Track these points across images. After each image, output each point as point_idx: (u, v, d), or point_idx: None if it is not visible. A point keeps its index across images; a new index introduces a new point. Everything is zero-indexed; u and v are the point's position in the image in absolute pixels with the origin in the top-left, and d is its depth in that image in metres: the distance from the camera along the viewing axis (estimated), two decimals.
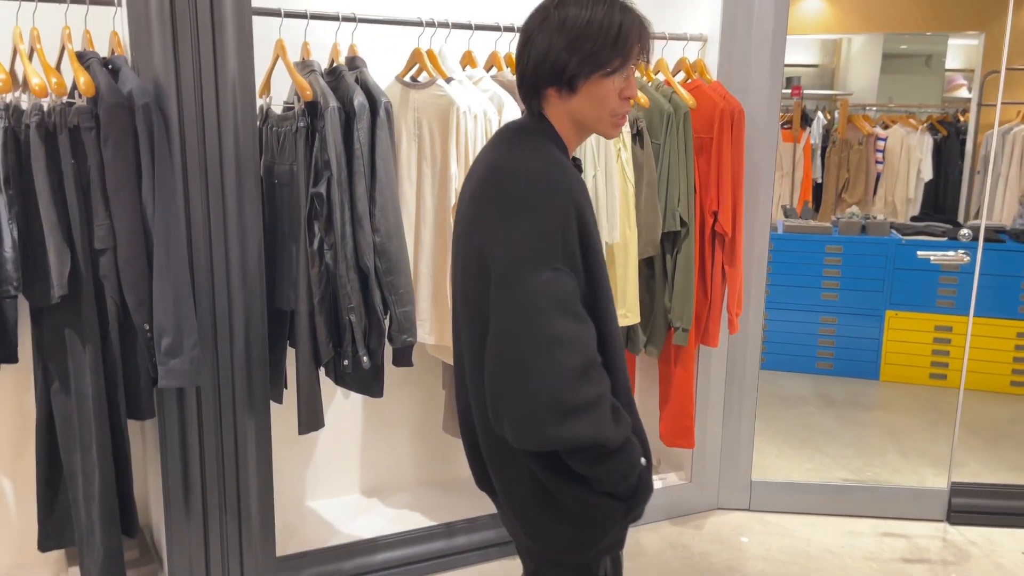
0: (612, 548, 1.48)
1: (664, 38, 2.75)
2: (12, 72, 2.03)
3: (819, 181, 5.85)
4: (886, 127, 5.92)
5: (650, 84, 2.69)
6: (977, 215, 5.33)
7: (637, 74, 2.68)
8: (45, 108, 1.93)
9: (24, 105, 1.99)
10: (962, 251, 2.82)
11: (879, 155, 5.90)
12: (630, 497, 1.36)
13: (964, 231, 2.92)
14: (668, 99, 2.62)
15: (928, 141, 5.90)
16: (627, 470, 1.31)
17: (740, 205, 2.71)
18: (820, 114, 5.97)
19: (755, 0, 2.70)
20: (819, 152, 5.81)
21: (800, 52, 6.59)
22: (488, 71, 2.55)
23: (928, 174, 5.81)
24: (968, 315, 4.25)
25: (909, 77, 6.71)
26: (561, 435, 1.21)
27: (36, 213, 1.93)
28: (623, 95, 1.41)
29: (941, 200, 5.83)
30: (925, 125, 5.87)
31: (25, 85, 2.01)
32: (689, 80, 2.75)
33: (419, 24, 2.42)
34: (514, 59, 2.28)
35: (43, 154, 1.90)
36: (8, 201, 1.92)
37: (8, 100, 1.96)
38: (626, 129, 2.55)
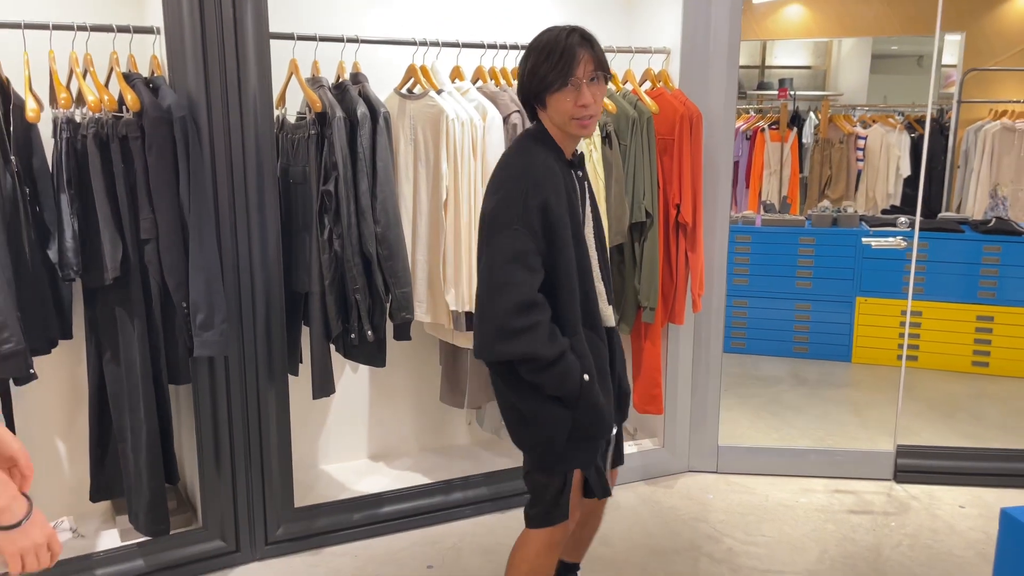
0: (583, 463, 1.89)
1: (631, 51, 3.11)
2: (70, 90, 2.41)
3: (804, 175, 6.15)
4: (867, 126, 6.20)
5: (618, 93, 3.04)
6: (959, 209, 5.64)
7: (609, 85, 3.05)
8: (99, 121, 2.31)
9: (78, 118, 2.37)
10: (900, 237, 3.15)
11: (859, 153, 6.18)
12: (575, 407, 1.78)
13: (902, 219, 3.25)
14: (634, 106, 2.97)
15: (906, 139, 6.20)
16: (563, 378, 1.75)
17: (700, 198, 3.06)
18: (812, 114, 6.28)
19: (711, 16, 3.05)
20: (810, 151, 6.09)
21: (792, 54, 6.87)
22: (474, 83, 2.91)
23: (906, 170, 6.11)
24: (931, 301, 4.58)
25: (901, 77, 6.94)
26: (504, 350, 1.70)
27: (92, 209, 2.31)
28: (577, 103, 1.76)
29: (924, 195, 6.12)
30: (904, 124, 6.16)
31: (81, 101, 2.38)
32: (654, 88, 3.10)
33: (414, 43, 2.79)
34: (496, 73, 2.68)
35: (98, 160, 2.28)
36: (70, 199, 2.30)
37: (68, 115, 2.33)
38: (597, 132, 2.90)
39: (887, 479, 3.35)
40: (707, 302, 3.24)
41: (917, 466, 3.33)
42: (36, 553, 1.24)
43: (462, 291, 2.70)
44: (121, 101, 2.36)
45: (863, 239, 3.25)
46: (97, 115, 2.28)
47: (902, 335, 4.80)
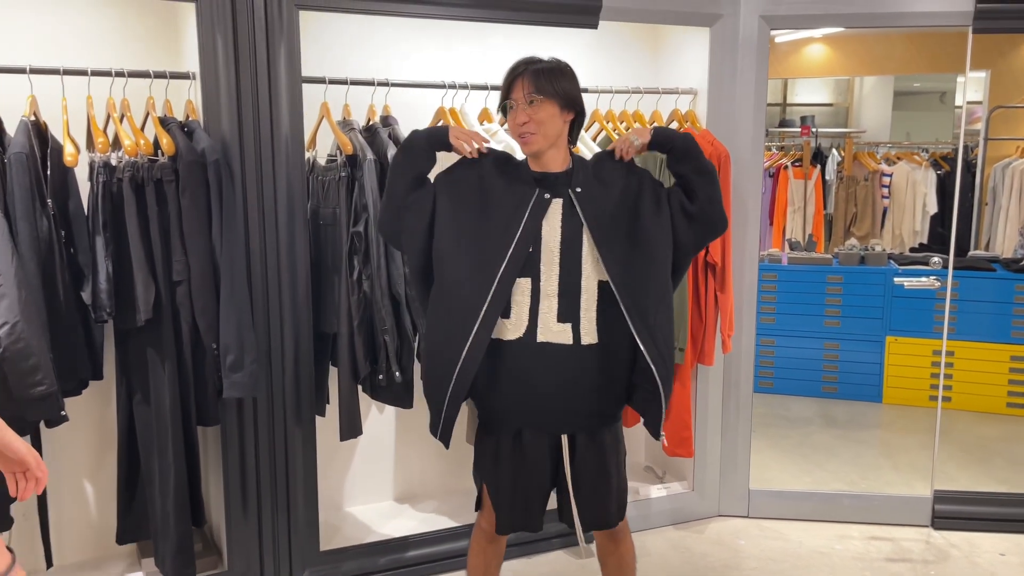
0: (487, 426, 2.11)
1: (658, 92, 3.12)
2: (107, 135, 2.45)
3: (829, 213, 6.11)
4: (892, 163, 6.17)
5: None
6: (988, 247, 5.57)
7: (637, 125, 3.05)
8: (134, 165, 2.34)
9: (114, 162, 2.40)
10: (934, 277, 3.11)
11: (884, 190, 6.14)
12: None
13: (935, 259, 3.21)
14: None
15: (932, 176, 6.15)
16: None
17: (728, 238, 3.04)
18: (835, 151, 6.27)
19: (738, 57, 3.06)
20: (833, 188, 6.06)
21: (814, 92, 6.89)
22: (502, 126, 2.93)
23: (933, 207, 6.05)
24: (964, 340, 4.51)
25: (922, 113, 6.92)
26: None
27: (126, 251, 2.33)
28: (514, 122, 2.01)
29: (940, 228, 6.06)
30: (929, 161, 6.12)
31: (117, 145, 2.42)
32: (681, 128, 3.10)
33: (443, 87, 2.81)
34: None
35: (134, 203, 2.31)
36: (105, 242, 2.32)
37: (104, 159, 2.36)
38: None
39: (925, 525, 3.26)
40: (737, 343, 3.20)
41: (955, 512, 3.24)
42: None
43: None
44: (157, 145, 2.39)
45: (895, 279, 3.21)
46: (133, 159, 2.31)
47: (934, 375, 4.72)
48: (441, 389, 2.00)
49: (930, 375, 4.72)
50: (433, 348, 2.04)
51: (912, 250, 5.24)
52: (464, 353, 1.95)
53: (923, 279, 3.14)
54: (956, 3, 2.97)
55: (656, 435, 2.11)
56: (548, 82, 1.97)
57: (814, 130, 6.71)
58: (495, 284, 1.95)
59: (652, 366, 1.99)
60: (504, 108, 2.04)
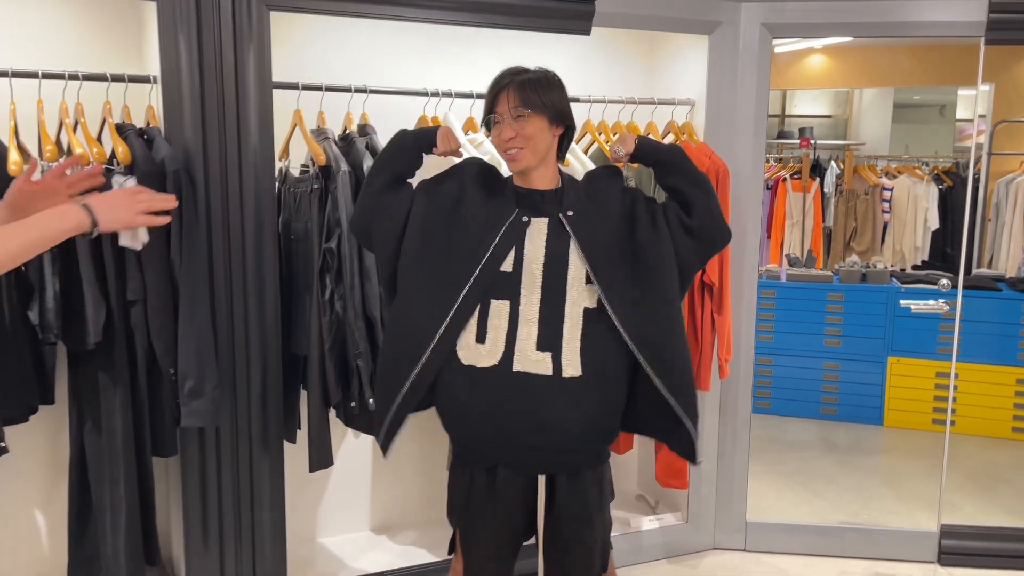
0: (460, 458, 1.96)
1: (653, 102, 2.96)
2: (58, 142, 2.28)
3: (829, 226, 5.98)
4: (892, 177, 6.05)
5: None
6: (991, 264, 5.42)
7: (625, 132, 2.88)
8: None
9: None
10: (942, 300, 2.95)
11: (885, 205, 6.01)
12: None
13: (944, 281, 3.05)
14: None
15: (934, 191, 6.01)
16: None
17: (727, 256, 2.88)
18: (833, 163, 6.13)
19: (738, 66, 2.90)
20: (832, 201, 5.93)
21: (812, 103, 6.77)
22: (488, 136, 2.76)
23: (935, 223, 5.91)
24: (969, 362, 4.34)
25: (922, 126, 6.81)
26: None
27: (76, 267, 2.15)
28: (500, 137, 1.87)
29: (949, 249, 5.93)
30: (931, 175, 5.99)
31: (69, 154, 2.24)
32: (678, 142, 2.94)
33: (425, 94, 2.65)
34: None
35: None
36: (52, 257, 2.14)
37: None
38: None
39: (931, 561, 3.09)
40: (734, 367, 3.04)
41: (963, 548, 3.07)
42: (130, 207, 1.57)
43: None
44: (113, 153, 2.22)
45: (901, 302, 3.05)
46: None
47: (937, 398, 4.56)
48: (383, 409, 1.92)
49: (933, 397, 4.56)
50: (381, 369, 1.99)
51: (914, 267, 5.08)
52: (411, 378, 1.84)
53: (930, 303, 2.98)
54: (968, 13, 2.82)
55: (693, 460, 1.97)
56: (536, 94, 1.84)
57: (813, 142, 6.59)
58: (455, 306, 1.81)
59: (672, 399, 1.85)
60: (488, 123, 1.88)
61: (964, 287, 4.30)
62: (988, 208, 5.64)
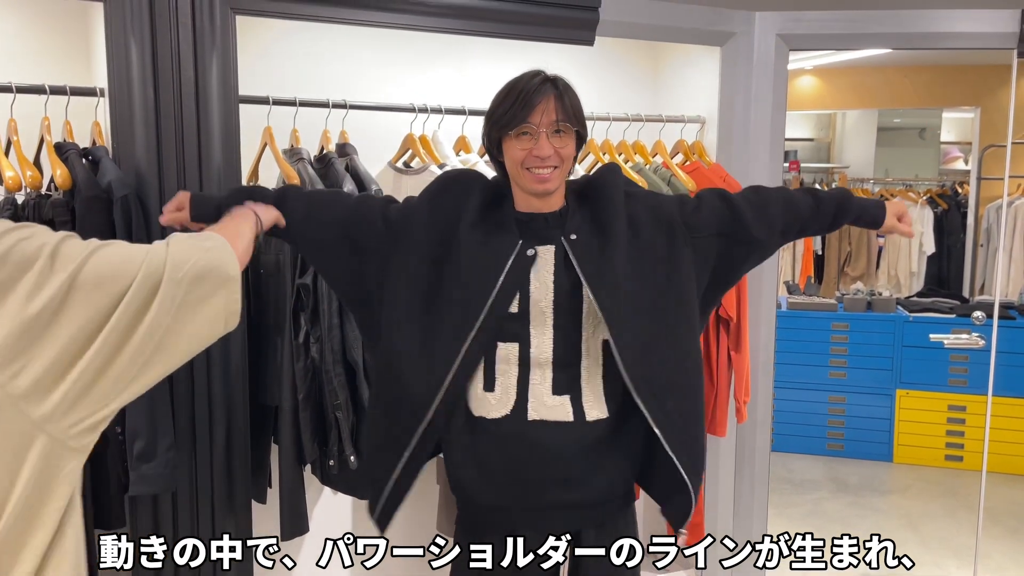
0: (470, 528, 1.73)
1: (661, 120, 2.71)
2: None
3: (819, 254, 5.81)
4: (886, 200, 5.87)
5: (648, 167, 2.63)
6: (983, 290, 5.25)
7: (638, 158, 2.64)
8: (18, 202, 1.86)
9: None
10: (976, 335, 2.72)
11: None
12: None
13: (977, 313, 2.82)
14: (667, 182, 2.55)
15: (928, 215, 5.87)
16: None
17: (744, 288, 2.62)
18: (819, 187, 5.97)
19: (752, 82, 2.66)
20: None
21: (794, 126, 6.66)
22: (482, 156, 2.49)
23: (930, 247, 5.77)
24: (982, 395, 4.10)
25: (905, 150, 6.74)
26: None
27: None
28: (532, 154, 1.55)
29: (944, 273, 5.78)
30: (925, 199, 5.85)
31: None
32: (688, 162, 2.69)
33: (412, 110, 2.38)
34: None
35: None
36: None
37: None
38: None
39: None
40: (751, 409, 2.77)
41: None
42: None
43: None
44: (51, 177, 1.91)
45: (931, 336, 2.81)
46: (12, 195, 1.83)
47: (950, 432, 4.33)
48: (380, 479, 1.70)
49: (945, 432, 4.33)
50: (372, 433, 1.82)
51: (919, 294, 4.88)
52: (413, 442, 1.61)
53: (963, 338, 2.74)
54: (999, 24, 2.61)
55: (677, 527, 1.75)
56: (572, 106, 1.60)
57: (801, 166, 6.46)
58: (459, 357, 1.56)
59: (675, 458, 1.61)
60: (497, 139, 1.59)
61: (966, 314, 4.10)
62: (979, 233, 5.52)
